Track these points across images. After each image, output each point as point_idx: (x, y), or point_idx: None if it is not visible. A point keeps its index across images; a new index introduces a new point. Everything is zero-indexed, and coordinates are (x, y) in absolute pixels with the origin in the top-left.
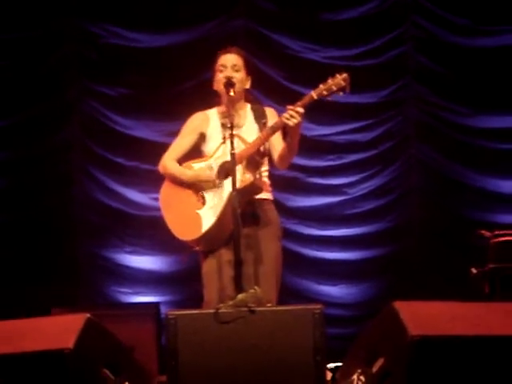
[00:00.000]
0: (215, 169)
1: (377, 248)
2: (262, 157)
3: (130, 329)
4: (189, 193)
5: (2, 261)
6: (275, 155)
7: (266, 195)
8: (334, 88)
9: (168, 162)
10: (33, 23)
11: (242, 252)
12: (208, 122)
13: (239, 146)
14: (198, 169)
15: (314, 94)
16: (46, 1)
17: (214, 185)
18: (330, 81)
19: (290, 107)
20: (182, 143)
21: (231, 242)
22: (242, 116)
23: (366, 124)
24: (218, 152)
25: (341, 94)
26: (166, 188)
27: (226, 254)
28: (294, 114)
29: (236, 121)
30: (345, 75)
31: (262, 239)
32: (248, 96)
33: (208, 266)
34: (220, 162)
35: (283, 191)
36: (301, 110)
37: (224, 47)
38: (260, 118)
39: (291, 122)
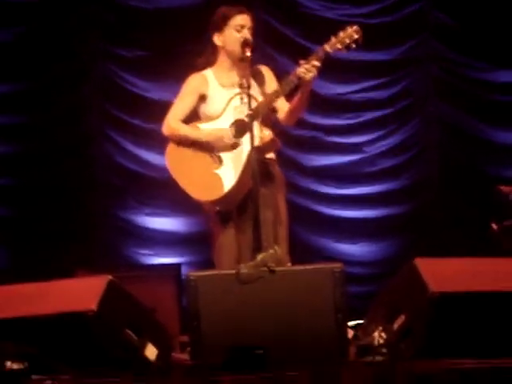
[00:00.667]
0: (227, 127)
1: (395, 206)
2: (273, 113)
3: (152, 290)
4: (202, 153)
5: (24, 223)
6: (280, 113)
7: (272, 155)
8: (347, 40)
9: (174, 123)
10: None
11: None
12: (207, 83)
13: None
14: (214, 129)
15: (327, 47)
16: None
17: (233, 144)
18: (341, 33)
19: (305, 61)
20: (183, 104)
21: (246, 202)
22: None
23: (384, 82)
24: (225, 113)
25: (353, 46)
26: (174, 150)
27: (242, 222)
28: (310, 68)
29: (239, 82)
30: (356, 27)
31: (276, 199)
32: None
33: (224, 235)
34: (230, 121)
35: (301, 150)
36: (317, 63)
37: (236, 5)
38: (258, 76)
39: (308, 76)
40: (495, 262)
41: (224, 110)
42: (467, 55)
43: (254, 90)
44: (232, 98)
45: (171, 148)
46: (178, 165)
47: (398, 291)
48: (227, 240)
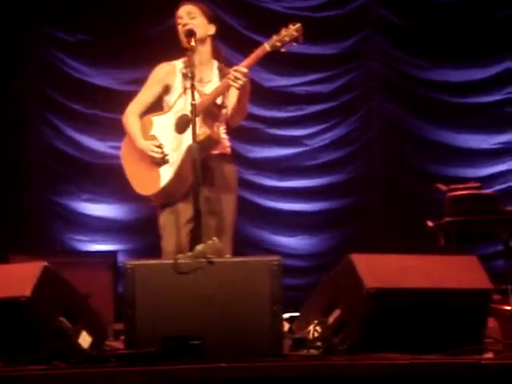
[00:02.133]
0: (173, 122)
1: (335, 199)
2: (219, 110)
3: (87, 277)
4: None
5: None
6: (229, 111)
7: (223, 150)
8: (287, 39)
9: (129, 117)
10: None
11: (201, 204)
12: (174, 73)
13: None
14: (148, 142)
15: (267, 46)
16: None
17: (162, 161)
18: (283, 31)
19: (234, 68)
20: (145, 95)
21: (189, 196)
22: (208, 72)
23: (327, 75)
24: (176, 105)
25: (294, 44)
26: (128, 141)
27: (184, 209)
28: (238, 76)
29: (200, 75)
30: (298, 25)
31: (219, 193)
32: (217, 54)
33: (165, 219)
34: (178, 115)
35: (243, 142)
36: (244, 70)
37: None
38: (224, 77)
39: (237, 84)
40: (431, 259)
41: (176, 101)
42: (409, 52)
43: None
44: (185, 91)
45: (126, 139)
46: (128, 156)
47: (334, 285)
48: (169, 221)
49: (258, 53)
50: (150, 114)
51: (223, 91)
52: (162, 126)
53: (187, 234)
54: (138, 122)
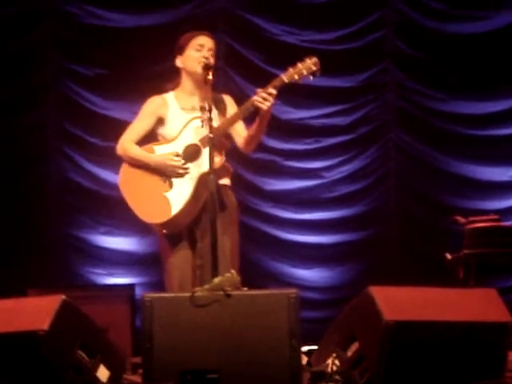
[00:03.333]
0: (180, 152)
1: (353, 232)
2: (227, 139)
3: (105, 310)
4: (152, 175)
5: None
6: (239, 140)
7: (225, 181)
8: (305, 72)
9: (128, 144)
10: (9, 1)
11: (203, 237)
12: (167, 105)
13: (204, 131)
14: (165, 153)
15: (284, 78)
16: None
17: (182, 170)
18: (299, 65)
19: (262, 90)
20: (140, 126)
21: (197, 226)
22: (200, 100)
23: (344, 108)
24: (181, 135)
25: (311, 78)
26: (126, 170)
27: (194, 245)
28: (266, 97)
29: (192, 103)
30: (315, 59)
31: (222, 225)
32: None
33: (172, 253)
34: (185, 145)
35: (260, 174)
36: (273, 91)
37: (200, 28)
38: (219, 104)
39: (264, 106)
40: (450, 292)
41: (180, 132)
42: (426, 85)
43: (214, 116)
44: (190, 121)
45: (124, 168)
46: (129, 185)
47: (352, 318)
48: (178, 262)
49: (275, 83)
50: (151, 144)
51: (239, 119)
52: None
53: (194, 268)
54: (141, 149)
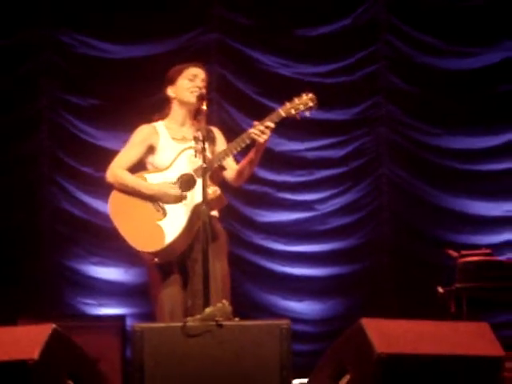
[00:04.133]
0: (174, 181)
1: (345, 265)
2: (221, 170)
3: (95, 341)
4: (145, 203)
5: None
6: (229, 172)
7: (215, 212)
8: (302, 107)
9: (120, 171)
10: (3, 32)
11: (194, 268)
12: (157, 134)
13: (197, 161)
14: (161, 182)
15: (282, 112)
16: (17, 10)
17: (178, 197)
18: (296, 100)
19: (259, 123)
20: (130, 154)
21: (188, 256)
22: (190, 131)
23: (337, 141)
24: (174, 165)
25: (307, 113)
26: (117, 197)
27: (184, 275)
28: (264, 130)
29: (182, 134)
30: (311, 95)
31: (213, 254)
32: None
33: (165, 290)
34: (178, 174)
35: (252, 206)
36: (271, 124)
37: (193, 60)
38: (210, 135)
39: (261, 139)
40: (442, 325)
41: (173, 161)
42: (419, 119)
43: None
44: (183, 151)
45: (114, 196)
46: (120, 213)
47: (344, 350)
48: (168, 292)
49: (272, 117)
50: (142, 172)
51: (235, 151)
52: (160, 181)
53: (185, 299)
54: (134, 177)
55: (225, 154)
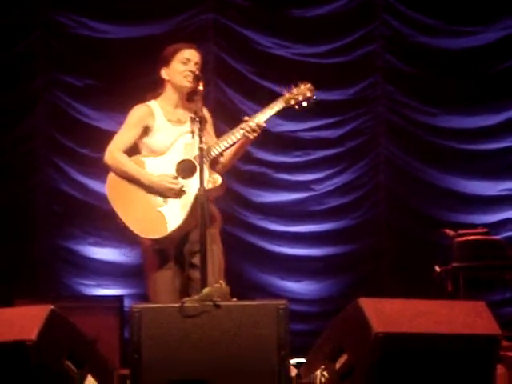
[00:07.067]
0: (172, 165)
1: (342, 245)
2: (220, 157)
3: (93, 321)
4: (145, 189)
5: None
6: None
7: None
8: (300, 98)
9: (119, 154)
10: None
11: (191, 250)
12: (153, 114)
13: (195, 145)
14: (162, 175)
15: (281, 102)
16: None
17: (179, 194)
18: (294, 90)
19: (250, 120)
20: (128, 135)
21: (185, 240)
22: (184, 113)
23: (334, 121)
24: (172, 149)
25: (305, 104)
26: (115, 181)
27: (181, 258)
28: (256, 128)
29: (177, 116)
30: (309, 85)
31: (211, 237)
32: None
33: (162, 273)
34: (177, 160)
35: (249, 186)
36: (263, 124)
37: (190, 40)
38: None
39: (251, 136)
40: (439, 304)
41: (171, 145)
42: (416, 99)
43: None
44: (181, 135)
45: (112, 178)
46: (119, 197)
47: (341, 330)
48: (164, 278)
49: (272, 108)
50: (138, 155)
51: (225, 144)
52: (159, 167)
53: (182, 281)
54: (133, 163)
55: (214, 147)
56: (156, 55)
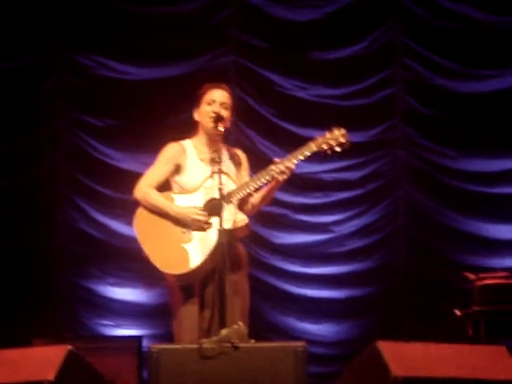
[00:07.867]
0: (201, 204)
1: (361, 287)
2: (249, 198)
3: (112, 362)
4: (172, 224)
5: None
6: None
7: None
8: (333, 143)
9: (149, 189)
10: (22, 53)
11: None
12: (185, 153)
13: (226, 183)
14: (189, 206)
15: (313, 146)
16: (35, 31)
17: (205, 225)
18: (327, 135)
19: (280, 161)
20: (158, 172)
21: (210, 278)
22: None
23: (354, 163)
24: (202, 187)
25: (338, 149)
26: (143, 216)
27: (206, 297)
28: (285, 170)
29: (211, 156)
30: (343, 131)
31: (243, 282)
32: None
33: (185, 304)
34: (207, 197)
35: (269, 227)
36: (292, 166)
37: (214, 81)
38: (234, 158)
39: (280, 178)
40: (458, 348)
41: (201, 185)
42: (436, 142)
43: (230, 169)
44: (212, 175)
45: (141, 213)
46: (146, 231)
47: (359, 373)
48: (189, 314)
49: (303, 150)
50: (168, 192)
51: (253, 186)
52: (188, 205)
53: (206, 319)
54: (162, 197)
55: (243, 188)
56: (175, 96)
